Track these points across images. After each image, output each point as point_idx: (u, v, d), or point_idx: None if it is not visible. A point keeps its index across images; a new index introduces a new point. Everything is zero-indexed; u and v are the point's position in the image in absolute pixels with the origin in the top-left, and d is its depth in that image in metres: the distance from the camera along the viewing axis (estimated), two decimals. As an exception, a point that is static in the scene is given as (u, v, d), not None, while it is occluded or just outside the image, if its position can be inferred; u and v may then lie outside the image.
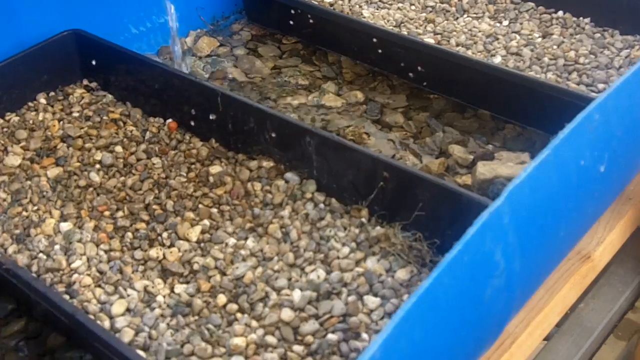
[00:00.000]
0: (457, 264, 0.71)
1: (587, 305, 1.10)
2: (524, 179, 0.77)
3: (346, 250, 1.00)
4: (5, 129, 1.26)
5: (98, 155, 1.20)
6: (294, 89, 1.42)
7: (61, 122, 1.28)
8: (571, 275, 1.02)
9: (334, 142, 1.08)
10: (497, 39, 1.45)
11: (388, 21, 1.52)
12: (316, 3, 1.58)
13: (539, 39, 1.44)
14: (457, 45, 1.43)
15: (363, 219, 1.05)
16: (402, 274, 0.96)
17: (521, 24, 1.49)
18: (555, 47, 1.41)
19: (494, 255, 0.76)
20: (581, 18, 1.50)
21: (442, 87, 1.36)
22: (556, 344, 1.02)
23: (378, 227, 1.03)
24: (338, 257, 1.00)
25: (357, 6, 1.58)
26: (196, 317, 0.95)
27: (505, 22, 1.51)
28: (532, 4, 1.54)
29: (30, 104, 1.32)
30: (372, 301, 0.93)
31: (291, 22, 1.53)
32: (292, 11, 1.51)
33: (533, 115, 1.26)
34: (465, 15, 1.54)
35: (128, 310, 0.97)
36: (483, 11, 1.55)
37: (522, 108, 1.27)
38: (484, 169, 1.11)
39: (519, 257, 0.79)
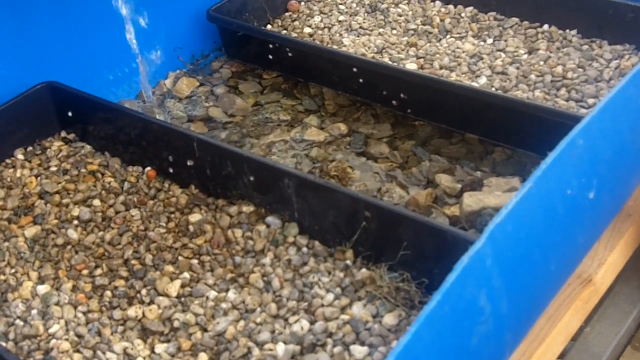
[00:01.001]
0: (437, 315, 0.67)
1: (593, 329, 1.05)
2: (505, 216, 0.73)
3: (330, 297, 0.96)
4: (-18, 188, 1.23)
5: (76, 211, 1.17)
6: (275, 126, 1.38)
7: (39, 178, 1.24)
8: (573, 301, 0.98)
9: (312, 182, 1.04)
10: (482, 58, 1.41)
11: (369, 48, 1.48)
12: (295, 35, 1.55)
13: (525, 56, 1.40)
14: (441, 67, 1.39)
15: (348, 261, 1.01)
16: (390, 319, 0.92)
17: (506, 41, 1.45)
18: (542, 62, 1.37)
19: (478, 300, 0.72)
20: (567, 30, 1.46)
21: (426, 113, 1.33)
22: (564, 374, 0.98)
23: (363, 269, 0.99)
24: (322, 305, 0.95)
25: (338, 34, 1.54)
26: (178, 379, 0.91)
27: (490, 40, 1.47)
28: (516, 19, 1.50)
29: (7, 160, 1.29)
30: (359, 351, 0.88)
31: (270, 57, 1.50)
32: (270, 45, 1.48)
33: (522, 137, 1.22)
34: (448, 36, 1.50)
35: (108, 375, 0.93)
36: (466, 30, 1.51)
37: (510, 130, 1.23)
38: (470, 201, 1.07)
39: (505, 299, 0.75)
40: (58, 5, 1.37)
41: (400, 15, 1.57)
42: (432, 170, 1.22)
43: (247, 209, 1.12)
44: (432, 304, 0.66)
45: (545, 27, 1.48)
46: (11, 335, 0.98)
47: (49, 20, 1.37)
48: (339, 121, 1.37)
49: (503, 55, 1.41)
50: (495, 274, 0.73)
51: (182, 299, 1.01)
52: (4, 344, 0.96)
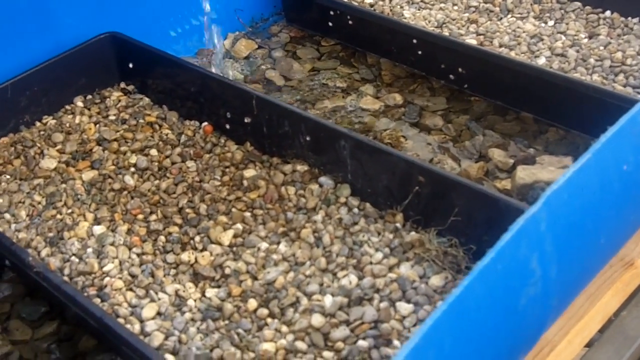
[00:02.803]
0: (490, 272, 0.68)
1: (630, 313, 1.06)
2: (562, 184, 0.74)
3: (379, 255, 0.98)
4: (42, 132, 1.26)
5: (133, 159, 1.20)
6: (331, 92, 1.40)
7: (97, 125, 1.28)
8: (613, 282, 0.98)
9: (368, 145, 1.06)
10: (542, 39, 1.41)
11: (429, 22, 1.49)
12: (356, 4, 1.55)
13: (585, 40, 1.40)
14: (501, 46, 1.40)
15: (397, 224, 1.03)
16: (436, 281, 0.93)
17: (567, 24, 1.45)
18: (601, 48, 1.37)
19: (530, 262, 0.73)
20: (629, 18, 1.45)
21: (483, 89, 1.33)
22: (597, 353, 0.98)
23: (413, 233, 1.01)
24: (371, 263, 0.97)
25: (398, 7, 1.55)
26: (226, 322, 0.94)
27: (551, 22, 1.46)
28: (578, 4, 1.50)
29: (67, 107, 1.32)
30: (404, 308, 0.90)
31: (330, 24, 1.51)
32: (332, 12, 1.49)
33: (577, 118, 1.22)
34: (509, 16, 1.50)
35: (159, 314, 0.96)
36: (528, 11, 1.50)
37: (565, 111, 1.23)
38: (523, 174, 1.08)
39: (556, 264, 0.76)
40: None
41: (462, -8, 1.58)
42: (485, 145, 1.23)
43: (301, 167, 1.14)
44: (486, 260, 0.68)
45: (607, 13, 1.47)
46: (66, 271, 1.02)
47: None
48: (394, 91, 1.38)
49: (563, 37, 1.41)
50: (548, 239, 0.74)
51: (234, 248, 1.03)
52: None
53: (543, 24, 1.46)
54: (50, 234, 1.07)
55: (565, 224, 0.76)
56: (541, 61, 1.34)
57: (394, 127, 1.30)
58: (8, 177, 1.18)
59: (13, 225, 1.10)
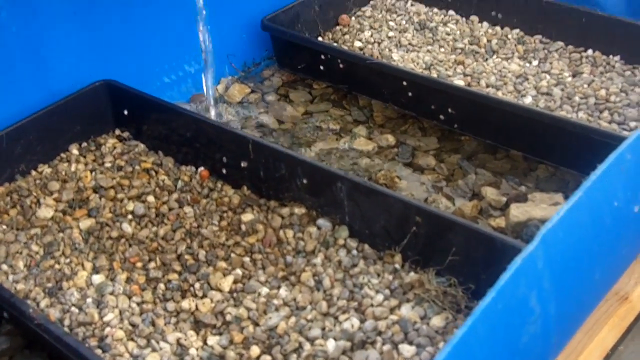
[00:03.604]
0: (491, 311, 0.70)
1: (627, 348, 1.07)
2: (557, 222, 0.76)
3: (380, 297, 0.99)
4: (38, 181, 1.27)
5: (130, 206, 1.21)
6: (325, 134, 1.42)
7: (93, 173, 1.29)
8: (609, 317, 1.00)
9: (365, 187, 1.08)
10: (527, 79, 1.44)
11: (418, 64, 1.52)
12: (346, 48, 1.58)
13: (569, 78, 1.43)
14: (487, 86, 1.43)
15: (396, 265, 1.04)
16: (437, 321, 0.95)
17: (551, 63, 1.49)
18: (585, 85, 1.40)
19: (529, 300, 0.75)
20: (611, 56, 1.49)
21: (473, 128, 1.36)
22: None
23: (412, 273, 1.02)
24: (372, 305, 0.98)
25: (387, 50, 1.58)
26: (229, 369, 0.94)
27: (535, 62, 1.50)
28: (561, 43, 1.54)
29: (62, 155, 1.33)
30: (407, 350, 0.91)
31: (321, 67, 1.54)
32: (322, 56, 1.52)
33: (565, 155, 1.25)
34: (494, 56, 1.53)
35: (161, 363, 0.96)
36: (512, 51, 1.54)
37: (554, 148, 1.26)
38: (517, 212, 1.10)
39: (554, 301, 0.78)
40: (119, 6, 1.42)
41: (449, 34, 1.61)
42: (478, 183, 1.25)
43: (299, 210, 1.15)
44: (487, 300, 0.69)
45: (590, 52, 1.51)
46: (66, 322, 1.02)
47: (109, 20, 1.41)
48: (387, 132, 1.40)
49: (548, 76, 1.44)
50: (545, 276, 0.76)
51: (235, 294, 1.04)
52: (62, 327, 1.00)
53: (528, 64, 1.50)
54: (49, 285, 1.08)
55: (561, 261, 0.78)
56: (528, 100, 1.37)
57: (388, 167, 1.32)
58: (4, 227, 1.18)
59: (11, 277, 1.10)
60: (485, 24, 1.64)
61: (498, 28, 1.62)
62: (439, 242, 1.00)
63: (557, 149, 1.26)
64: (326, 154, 1.37)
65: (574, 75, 1.45)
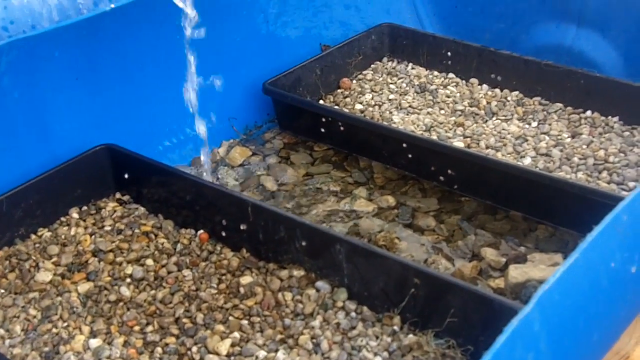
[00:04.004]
0: (487, 375, 0.69)
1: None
2: (553, 283, 0.76)
3: (378, 360, 0.98)
4: (37, 245, 1.27)
5: (129, 269, 1.21)
6: (325, 196, 1.42)
7: (93, 237, 1.29)
8: (610, 377, 0.98)
9: (364, 249, 1.07)
10: (527, 140, 1.45)
11: (418, 126, 1.53)
12: (347, 110, 1.60)
13: (568, 139, 1.44)
14: (487, 147, 1.43)
15: (395, 327, 1.03)
16: (435, 384, 0.94)
17: (550, 124, 1.50)
18: (584, 146, 1.41)
19: (526, 363, 0.74)
20: (609, 117, 1.50)
21: (473, 189, 1.36)
22: None
23: (410, 335, 1.01)
24: (370, 368, 0.97)
25: (388, 112, 1.59)
26: None
27: (534, 124, 1.51)
28: (560, 105, 1.55)
29: (62, 218, 1.33)
30: (405, 414, 0.90)
31: (322, 130, 1.55)
32: (323, 119, 1.53)
33: (565, 216, 1.25)
34: (494, 118, 1.54)
35: None
36: (512, 113, 1.55)
37: (553, 209, 1.26)
38: (515, 273, 1.10)
39: (552, 364, 0.77)
40: (120, 71, 1.44)
41: (449, 97, 1.63)
42: (478, 244, 1.25)
43: (298, 273, 1.15)
44: (483, 364, 0.68)
45: (588, 113, 1.52)
46: (64, 386, 1.02)
47: (110, 85, 1.43)
48: (387, 194, 1.41)
49: (547, 137, 1.45)
50: (542, 338, 0.75)
51: (232, 358, 1.03)
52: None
53: (527, 125, 1.51)
54: (46, 349, 1.07)
55: (558, 322, 0.78)
56: (527, 161, 1.38)
57: (388, 228, 1.32)
58: (2, 291, 1.18)
59: (7, 341, 1.09)
60: (484, 86, 1.65)
61: (497, 90, 1.63)
62: (437, 303, 0.99)
63: (556, 210, 1.26)
64: (327, 215, 1.37)
65: (573, 136, 1.45)
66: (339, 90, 1.70)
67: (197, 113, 1.48)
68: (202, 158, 1.49)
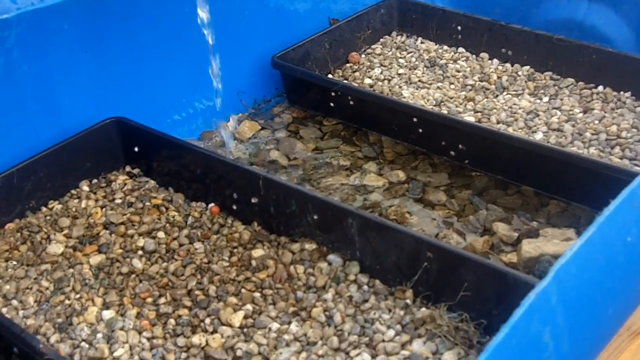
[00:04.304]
0: (504, 348, 0.69)
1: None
2: (570, 257, 0.76)
3: (391, 333, 0.98)
4: (48, 217, 1.27)
5: (140, 242, 1.21)
6: (335, 170, 1.42)
7: (104, 209, 1.29)
8: (622, 352, 0.98)
9: (376, 223, 1.07)
10: (538, 115, 1.44)
11: (428, 100, 1.52)
12: (356, 85, 1.59)
13: (580, 115, 1.44)
14: (498, 122, 1.43)
15: (407, 301, 1.03)
16: (449, 357, 0.94)
17: (561, 99, 1.49)
18: (596, 122, 1.40)
19: (542, 336, 0.74)
20: (622, 92, 1.49)
21: (484, 164, 1.36)
22: None
23: (423, 309, 1.02)
24: (383, 341, 0.98)
25: (397, 87, 1.58)
26: (239, 405, 0.93)
27: (546, 99, 1.50)
28: (571, 80, 1.54)
29: (73, 191, 1.34)
30: (419, 386, 0.90)
31: (332, 104, 1.54)
32: (333, 93, 1.52)
33: (577, 191, 1.25)
34: (505, 93, 1.54)
35: (171, 399, 0.96)
36: (523, 88, 1.54)
37: (565, 184, 1.26)
38: (529, 247, 1.09)
39: (567, 337, 0.77)
40: (129, 45, 1.44)
41: (459, 71, 1.62)
42: (489, 219, 1.24)
43: (310, 246, 1.15)
44: (501, 336, 0.68)
45: (600, 88, 1.52)
46: (76, 357, 1.02)
47: (120, 58, 1.43)
48: (397, 168, 1.40)
49: (559, 113, 1.44)
50: (559, 312, 0.75)
51: (245, 330, 1.04)
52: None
53: (538, 100, 1.50)
54: (59, 320, 1.07)
55: (574, 297, 0.78)
56: (538, 136, 1.37)
57: (399, 203, 1.31)
58: (15, 263, 1.18)
59: (21, 312, 1.09)
60: (495, 60, 1.64)
61: (508, 65, 1.62)
62: (450, 277, 0.99)
63: (568, 185, 1.25)
64: (336, 189, 1.37)
65: (584, 112, 1.45)
66: (347, 65, 1.70)
67: (207, 87, 1.48)
68: (221, 131, 1.48)
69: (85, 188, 1.34)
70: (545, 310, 0.73)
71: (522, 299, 0.74)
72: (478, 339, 0.95)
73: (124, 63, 1.44)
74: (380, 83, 1.60)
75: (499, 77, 1.58)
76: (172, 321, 1.06)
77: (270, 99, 1.68)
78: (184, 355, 1.01)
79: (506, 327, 0.69)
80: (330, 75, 1.65)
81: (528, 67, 1.60)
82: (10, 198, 1.25)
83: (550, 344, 0.74)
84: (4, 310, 1.09)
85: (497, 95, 1.53)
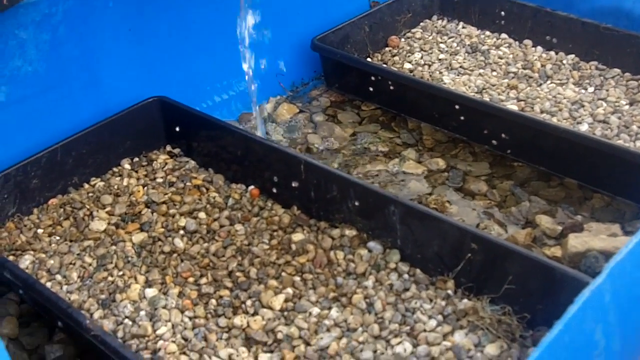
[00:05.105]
0: (557, 344, 0.69)
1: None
2: (625, 255, 0.75)
3: (433, 323, 0.98)
4: (90, 194, 1.28)
5: (182, 221, 1.21)
6: (373, 156, 1.42)
7: (145, 188, 1.30)
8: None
9: (419, 212, 1.07)
10: (583, 105, 1.42)
11: (469, 87, 1.51)
12: (395, 69, 1.58)
13: (626, 107, 1.41)
14: (542, 112, 1.41)
15: (449, 291, 1.03)
16: (491, 349, 0.94)
17: (607, 90, 1.47)
18: (643, 114, 1.39)
19: (594, 334, 0.73)
20: (669, 85, 1.47)
21: (526, 154, 1.34)
22: None
23: (465, 300, 1.01)
24: (424, 330, 0.98)
25: (438, 72, 1.57)
26: (280, 389, 0.94)
27: (591, 89, 1.48)
28: (618, 70, 1.52)
29: (114, 169, 1.35)
30: (461, 377, 0.90)
31: (371, 89, 1.54)
32: (372, 77, 1.51)
33: (622, 185, 1.23)
34: (548, 82, 1.52)
35: (213, 379, 0.96)
36: (567, 77, 1.53)
37: (610, 177, 1.24)
38: (575, 242, 1.09)
39: (619, 335, 0.76)
40: (173, 25, 1.44)
41: (501, 58, 1.60)
42: (532, 211, 1.23)
43: (350, 232, 1.15)
44: (554, 332, 0.68)
45: (648, 80, 1.50)
46: (120, 334, 1.03)
47: (163, 38, 1.43)
48: (437, 156, 1.40)
49: (604, 104, 1.42)
50: (612, 310, 0.75)
51: (285, 313, 1.04)
52: (115, 341, 1.00)
53: (583, 90, 1.48)
54: (102, 296, 1.09)
55: (627, 295, 0.77)
56: (584, 127, 1.36)
57: (438, 191, 1.31)
58: (58, 238, 1.20)
59: (65, 287, 1.11)
60: (539, 48, 1.62)
61: (552, 53, 1.60)
62: (494, 270, 0.99)
63: (613, 179, 1.24)
64: (375, 176, 1.37)
65: (631, 104, 1.43)
66: (387, 49, 1.68)
67: (246, 69, 1.47)
68: (256, 114, 1.49)
69: (127, 166, 1.35)
70: (599, 308, 0.73)
71: (570, 295, 0.74)
72: (521, 333, 0.95)
73: (167, 43, 1.44)
74: (420, 68, 1.59)
75: (542, 65, 1.56)
76: (213, 301, 1.07)
77: (308, 82, 1.68)
78: (225, 335, 1.02)
79: (560, 324, 0.69)
80: (369, 59, 1.64)
81: (573, 55, 1.58)
82: (54, 174, 1.27)
83: (601, 341, 0.74)
84: (49, 284, 1.10)
85: (540, 84, 1.52)
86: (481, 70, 1.57)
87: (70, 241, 1.19)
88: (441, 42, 1.68)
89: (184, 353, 1.00)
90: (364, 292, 1.05)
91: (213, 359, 0.98)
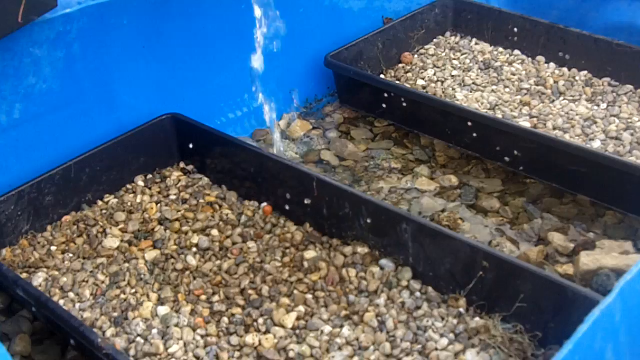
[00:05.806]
0: (567, 364, 0.68)
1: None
2: (636, 274, 0.74)
3: (444, 341, 0.98)
4: (104, 211, 1.29)
5: (195, 239, 1.22)
6: (386, 173, 1.42)
7: (158, 205, 1.30)
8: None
9: (431, 229, 1.07)
10: (595, 122, 1.42)
11: (482, 104, 1.51)
12: (408, 86, 1.58)
13: (639, 123, 1.41)
14: (554, 128, 1.41)
15: (461, 309, 1.03)
16: (503, 368, 0.93)
17: (620, 107, 1.47)
18: (656, 131, 1.38)
19: (605, 353, 0.73)
20: (682, 102, 1.47)
21: (539, 171, 1.34)
22: None
23: (477, 318, 1.01)
24: (436, 349, 0.97)
25: (450, 89, 1.58)
26: (291, 407, 0.94)
27: (603, 105, 1.48)
28: (630, 87, 1.52)
29: (128, 186, 1.35)
30: (473, 396, 0.90)
31: (384, 105, 1.54)
32: (385, 94, 1.52)
33: (635, 202, 1.23)
34: (561, 98, 1.52)
35: (223, 397, 0.96)
36: (580, 94, 1.52)
37: (623, 194, 1.24)
38: (587, 259, 1.08)
39: (629, 354, 0.76)
40: (187, 41, 1.45)
41: (514, 74, 1.60)
42: (544, 228, 1.23)
43: (362, 250, 1.15)
44: (564, 352, 0.68)
45: (660, 96, 1.49)
46: (132, 352, 1.03)
47: (177, 55, 1.44)
48: (449, 173, 1.40)
49: (617, 120, 1.42)
50: (622, 329, 0.74)
51: (297, 331, 1.04)
52: (127, 358, 1.01)
53: (595, 107, 1.48)
54: (115, 314, 1.09)
55: (638, 313, 0.77)
56: (596, 144, 1.35)
57: (451, 208, 1.31)
58: (71, 255, 1.20)
59: (77, 304, 1.11)
60: (551, 64, 1.62)
61: (565, 69, 1.60)
62: (506, 288, 0.99)
63: (626, 195, 1.23)
64: (387, 192, 1.37)
65: (643, 120, 1.43)
66: (400, 65, 1.69)
67: (260, 85, 1.48)
68: (272, 130, 1.49)
69: (140, 183, 1.35)
70: (609, 327, 0.73)
71: (581, 313, 0.73)
72: (532, 352, 0.95)
73: (181, 60, 1.45)
74: (433, 84, 1.59)
75: (555, 82, 1.56)
76: (225, 319, 1.07)
77: (321, 98, 1.68)
78: (237, 354, 1.02)
79: (570, 343, 0.69)
80: (382, 76, 1.65)
81: (585, 72, 1.58)
82: (67, 191, 1.27)
83: (612, 361, 0.74)
84: (61, 302, 1.11)
85: (553, 101, 1.51)
86: (494, 87, 1.57)
87: (83, 258, 1.19)
88: (454, 59, 1.69)
89: (196, 371, 1.00)
90: (375, 310, 1.05)
91: (224, 376, 0.98)
